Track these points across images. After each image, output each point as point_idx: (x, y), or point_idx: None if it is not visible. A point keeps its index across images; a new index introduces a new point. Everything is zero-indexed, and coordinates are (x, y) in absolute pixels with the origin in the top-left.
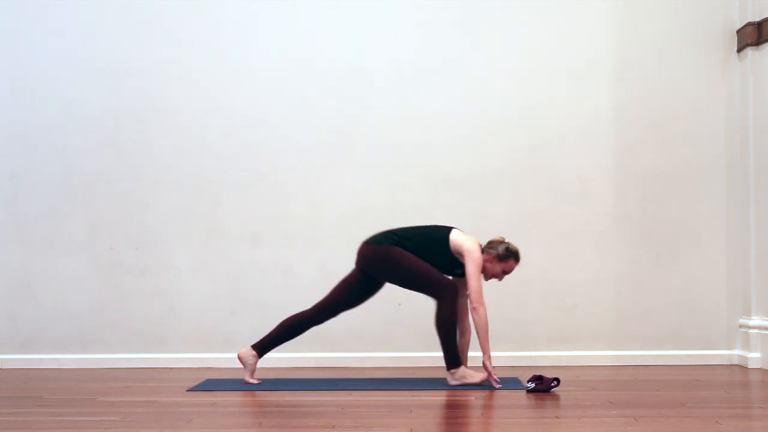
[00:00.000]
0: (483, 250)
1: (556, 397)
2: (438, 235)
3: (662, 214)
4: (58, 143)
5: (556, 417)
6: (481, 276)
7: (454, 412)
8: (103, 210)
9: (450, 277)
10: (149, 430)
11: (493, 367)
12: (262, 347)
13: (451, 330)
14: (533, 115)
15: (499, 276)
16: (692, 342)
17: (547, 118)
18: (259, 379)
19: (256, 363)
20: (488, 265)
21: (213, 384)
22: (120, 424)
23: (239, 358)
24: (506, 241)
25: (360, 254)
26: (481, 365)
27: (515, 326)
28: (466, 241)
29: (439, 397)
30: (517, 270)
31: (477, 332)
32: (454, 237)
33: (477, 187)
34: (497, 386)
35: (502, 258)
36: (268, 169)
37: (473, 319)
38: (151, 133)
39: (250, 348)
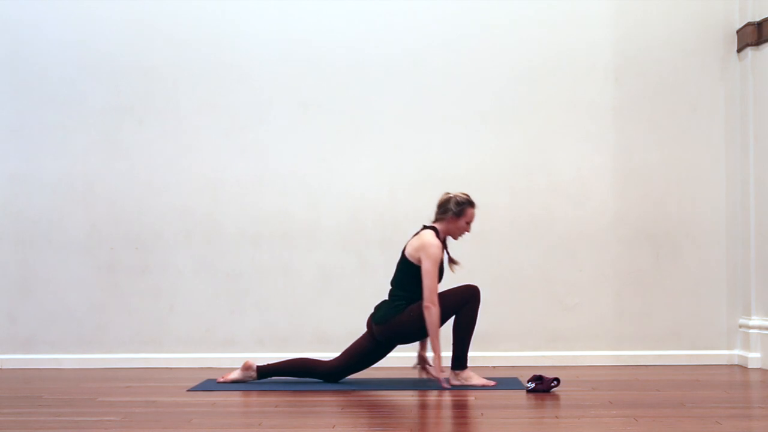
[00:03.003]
0: (437, 224)
1: (556, 397)
2: (403, 262)
3: (662, 214)
4: (58, 143)
5: (556, 417)
6: (437, 273)
7: (454, 412)
8: (103, 210)
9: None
10: (149, 430)
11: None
12: (265, 372)
13: (467, 333)
14: (533, 115)
15: (466, 229)
16: (692, 342)
17: (547, 118)
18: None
19: (247, 379)
20: (451, 227)
21: (213, 384)
22: (120, 424)
23: (246, 365)
24: (451, 194)
25: (371, 332)
26: (471, 368)
27: (515, 326)
28: (417, 242)
29: (439, 397)
30: (517, 270)
31: (428, 331)
32: (408, 250)
33: (477, 186)
34: (492, 384)
35: (458, 214)
36: (268, 168)
37: (425, 318)
38: (151, 132)
39: (255, 368)
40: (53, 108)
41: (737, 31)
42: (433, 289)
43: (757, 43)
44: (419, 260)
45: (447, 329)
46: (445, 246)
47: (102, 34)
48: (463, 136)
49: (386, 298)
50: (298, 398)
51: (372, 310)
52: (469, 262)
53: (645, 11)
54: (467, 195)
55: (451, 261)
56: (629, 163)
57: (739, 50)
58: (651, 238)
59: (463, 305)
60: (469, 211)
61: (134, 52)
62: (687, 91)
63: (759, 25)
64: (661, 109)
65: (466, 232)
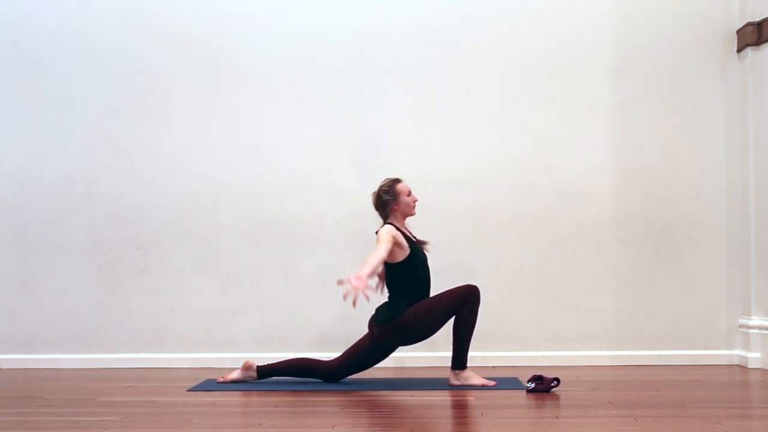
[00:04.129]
0: (391, 220)
1: (556, 397)
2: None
3: (662, 214)
4: (58, 143)
5: (556, 417)
6: (392, 242)
7: (453, 413)
8: (103, 210)
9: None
10: (149, 430)
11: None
12: (265, 372)
13: (467, 333)
14: (532, 114)
15: (413, 199)
16: (692, 342)
17: (547, 117)
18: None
19: (247, 379)
20: (402, 210)
21: (213, 384)
22: (120, 425)
23: (246, 365)
24: (375, 191)
25: (373, 333)
26: (471, 368)
27: (515, 326)
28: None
29: (439, 397)
30: (517, 269)
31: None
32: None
33: (475, 186)
34: (492, 384)
35: (394, 197)
36: (267, 168)
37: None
38: (151, 132)
39: (255, 368)
40: (53, 107)
41: (737, 31)
42: (379, 254)
43: (757, 43)
44: (391, 257)
45: (447, 330)
46: (409, 233)
47: (102, 33)
48: (463, 135)
49: (387, 299)
50: (298, 398)
51: (373, 312)
52: (469, 261)
53: (645, 11)
54: (387, 178)
55: (420, 242)
56: (629, 163)
57: (739, 50)
58: (651, 238)
59: (462, 305)
60: (399, 187)
61: (135, 52)
62: (687, 90)
63: (759, 25)
64: (661, 109)
65: (416, 201)
